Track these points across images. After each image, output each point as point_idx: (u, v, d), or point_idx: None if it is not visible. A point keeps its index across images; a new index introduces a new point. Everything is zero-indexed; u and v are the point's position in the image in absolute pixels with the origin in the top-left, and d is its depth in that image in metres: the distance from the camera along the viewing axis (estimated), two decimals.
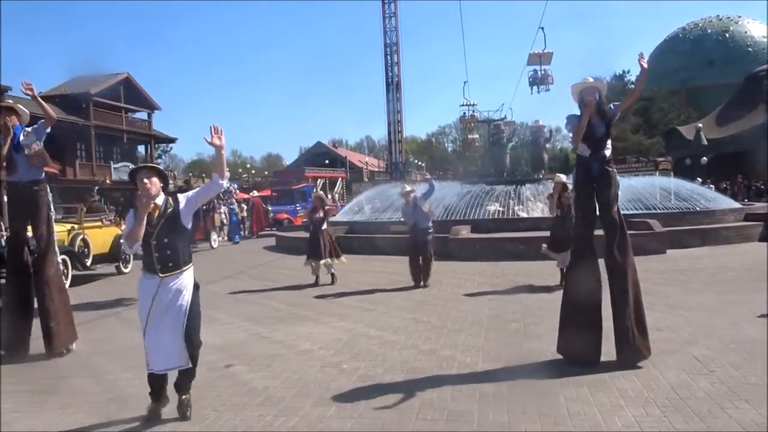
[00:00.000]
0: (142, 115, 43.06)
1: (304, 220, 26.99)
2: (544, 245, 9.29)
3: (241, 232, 23.43)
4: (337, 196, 47.07)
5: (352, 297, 9.00)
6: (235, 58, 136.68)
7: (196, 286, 4.09)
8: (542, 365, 5.09)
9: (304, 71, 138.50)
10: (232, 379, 5.03)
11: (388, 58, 51.43)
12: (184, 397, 4.14)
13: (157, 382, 4.10)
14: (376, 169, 67.84)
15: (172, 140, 48.68)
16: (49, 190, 6.34)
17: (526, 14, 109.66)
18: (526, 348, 5.66)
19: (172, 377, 4.18)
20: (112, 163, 38.34)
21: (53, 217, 6.43)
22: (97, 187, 20.18)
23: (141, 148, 44.78)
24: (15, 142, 6.00)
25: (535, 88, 34.26)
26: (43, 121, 6.05)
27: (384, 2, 50.62)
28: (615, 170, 5.20)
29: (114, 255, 12.86)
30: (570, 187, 8.79)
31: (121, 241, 4.41)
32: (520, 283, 9.44)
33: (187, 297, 3.99)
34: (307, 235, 17.06)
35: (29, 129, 6.11)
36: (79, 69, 38.54)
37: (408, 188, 10.19)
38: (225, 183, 4.16)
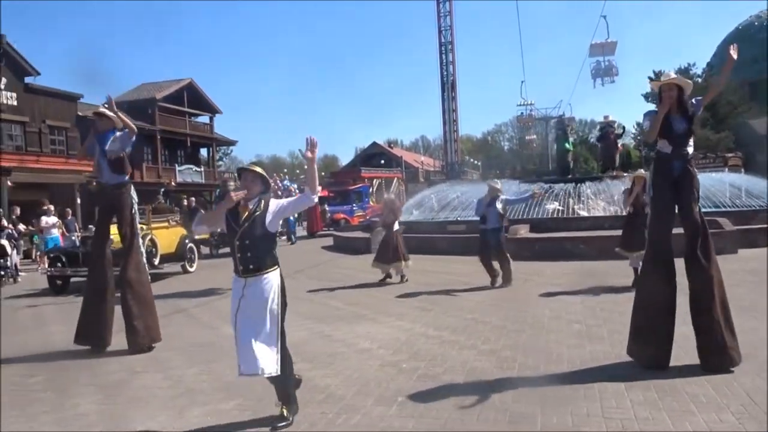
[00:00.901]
0: (204, 118, 44.38)
1: (361, 220, 27.31)
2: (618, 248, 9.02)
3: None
4: (392, 196, 47.15)
5: (410, 297, 9.02)
6: (292, 62, 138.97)
7: (283, 291, 4.03)
8: (607, 368, 4.96)
9: (359, 71, 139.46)
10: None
11: (443, 57, 51.21)
12: (277, 406, 4.07)
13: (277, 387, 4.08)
14: (432, 169, 67.67)
15: (233, 143, 50.02)
16: (133, 192, 6.64)
17: (585, 6, 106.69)
18: (589, 350, 5.53)
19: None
20: (176, 165, 39.66)
21: (137, 218, 6.71)
22: (162, 189, 20.95)
23: (203, 151, 46.18)
24: (102, 146, 6.33)
25: (598, 80, 32.58)
26: (127, 131, 6.40)
27: (439, 1, 50.41)
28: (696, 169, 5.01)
29: (180, 255, 13.33)
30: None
31: (194, 225, 4.43)
32: (580, 284, 9.21)
33: (271, 300, 3.93)
34: (363, 235, 17.35)
35: (118, 134, 6.43)
36: (146, 75, 40.01)
37: (498, 185, 10.08)
38: (316, 197, 4.11)
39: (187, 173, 39.06)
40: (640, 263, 8.50)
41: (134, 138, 6.52)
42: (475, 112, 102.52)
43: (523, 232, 14.02)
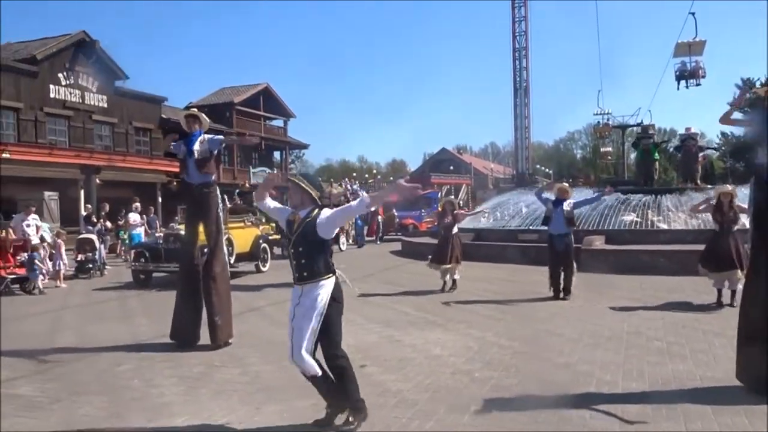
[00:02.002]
0: (278, 122, 45.58)
1: (429, 226, 27.27)
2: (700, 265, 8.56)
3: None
4: (461, 202, 46.87)
5: (480, 305, 8.94)
6: (362, 66, 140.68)
7: (336, 299, 4.01)
8: (690, 389, 4.74)
9: (429, 76, 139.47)
10: (367, 380, 5.17)
11: (517, 62, 50.48)
12: (328, 410, 4.07)
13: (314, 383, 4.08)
14: (502, 176, 66.78)
15: (305, 146, 51.05)
16: (219, 192, 6.92)
17: (668, 7, 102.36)
18: (671, 369, 5.31)
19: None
20: (251, 167, 40.90)
21: (222, 218, 6.99)
22: (237, 191, 21.73)
23: (276, 154, 47.41)
24: (190, 147, 6.64)
25: (682, 82, 29.87)
26: (222, 136, 6.71)
27: (514, 6, 49.77)
28: None
29: (254, 254, 13.77)
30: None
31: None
32: (660, 299, 8.87)
33: (321, 308, 3.93)
34: (432, 240, 17.33)
35: (207, 137, 6.71)
36: (224, 80, 41.58)
37: (566, 185, 9.85)
38: (370, 208, 4.17)
39: (260, 175, 40.13)
40: (726, 284, 8.15)
41: (223, 144, 6.79)
42: (547, 119, 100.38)
43: (598, 243, 13.61)
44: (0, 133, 24.24)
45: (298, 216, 4.10)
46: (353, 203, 4.26)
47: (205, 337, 6.65)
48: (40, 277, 11.93)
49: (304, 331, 3.93)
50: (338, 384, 4.00)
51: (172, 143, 7.13)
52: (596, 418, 4.14)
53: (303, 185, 4.15)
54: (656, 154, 21.43)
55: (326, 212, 4.06)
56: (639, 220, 16.24)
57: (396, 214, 28.08)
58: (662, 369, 5.29)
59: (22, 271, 11.81)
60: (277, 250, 16.90)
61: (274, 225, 23.53)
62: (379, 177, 67.85)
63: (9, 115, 25.13)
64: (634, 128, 38.64)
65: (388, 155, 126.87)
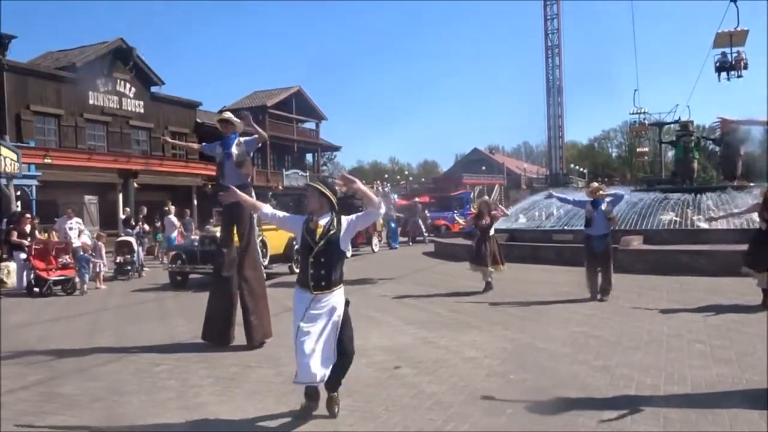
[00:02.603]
0: (310, 124, 45.95)
1: (461, 227, 27.10)
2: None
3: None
4: (488, 197, 46.42)
5: (515, 306, 8.82)
6: (393, 67, 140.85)
7: (347, 303, 4.19)
8: (737, 393, 4.57)
9: (459, 74, 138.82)
10: (401, 381, 5.16)
11: (549, 60, 49.88)
12: (333, 394, 4.26)
13: (309, 389, 4.29)
14: (535, 176, 66.05)
15: (337, 148, 51.38)
16: (254, 194, 6.99)
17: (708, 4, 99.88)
18: (715, 372, 5.14)
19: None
20: (283, 170, 41.31)
21: (256, 220, 7.06)
22: (271, 193, 21.96)
23: (309, 156, 47.79)
24: (227, 150, 6.72)
25: (723, 75, 28.24)
26: (255, 137, 6.77)
27: (546, 4, 49.19)
28: None
29: (287, 255, 13.87)
30: None
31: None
32: (701, 301, 8.62)
33: (338, 315, 4.08)
34: (464, 241, 17.21)
35: (242, 139, 6.79)
36: (257, 83, 42.11)
37: (598, 185, 9.67)
38: (381, 210, 4.19)
39: (293, 177, 40.56)
40: None
41: (259, 144, 6.87)
42: (581, 118, 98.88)
43: (636, 243, 13.33)
44: (43, 139, 24.96)
45: (318, 223, 4.10)
46: (367, 212, 4.23)
47: (240, 338, 6.73)
48: (85, 275, 12.30)
49: (323, 348, 4.02)
50: (336, 371, 4.15)
51: (204, 143, 7.26)
52: (637, 422, 4.02)
53: (322, 190, 4.17)
54: (696, 152, 20.84)
55: (346, 222, 4.14)
56: (678, 219, 15.86)
57: (428, 215, 27.99)
58: (706, 373, 5.13)
59: (65, 273, 12.13)
60: None
61: None
62: (410, 178, 67.83)
63: (51, 122, 25.90)
64: (672, 125, 37.71)
65: (419, 156, 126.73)
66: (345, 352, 4.16)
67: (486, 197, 12.21)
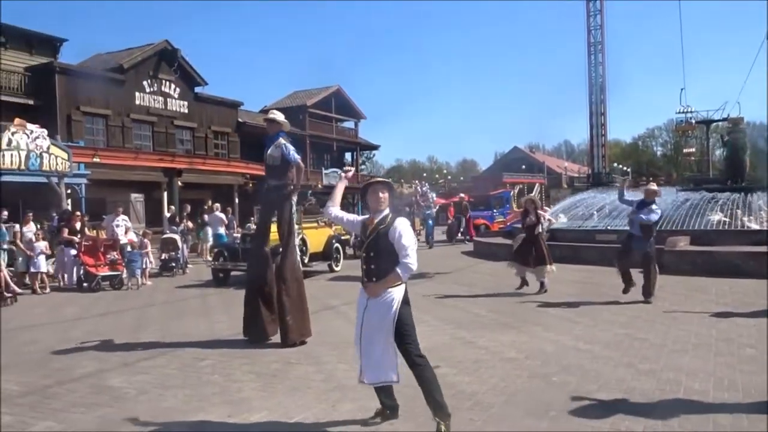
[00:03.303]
0: (349, 124, 46.16)
1: (501, 226, 26.82)
2: None
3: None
4: (533, 196, 45.74)
5: (556, 307, 8.69)
6: (432, 65, 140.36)
7: (406, 302, 4.01)
8: None
9: (499, 72, 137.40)
10: (441, 381, 5.02)
11: (592, 57, 48.88)
12: (438, 423, 3.86)
13: (379, 394, 4.14)
14: (576, 175, 64.88)
15: (375, 147, 51.48)
16: (294, 196, 7.07)
17: None
18: (767, 379, 4.96)
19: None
20: (322, 169, 41.61)
21: (295, 219, 7.12)
22: (310, 192, 22.11)
23: (347, 155, 48.03)
24: (267, 147, 6.81)
25: None
26: (299, 161, 6.85)
27: (589, 0, 48.23)
28: None
29: (327, 254, 14.00)
30: None
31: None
32: (751, 305, 8.32)
33: (394, 312, 3.91)
34: (504, 241, 17.02)
35: (285, 144, 6.82)
36: (298, 83, 42.54)
37: (655, 186, 9.41)
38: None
39: (332, 176, 40.71)
40: None
41: (298, 165, 6.89)
42: (624, 115, 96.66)
43: (683, 244, 12.96)
44: (92, 138, 25.75)
45: (372, 219, 4.10)
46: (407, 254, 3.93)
47: (278, 335, 6.80)
48: (138, 271, 12.69)
49: (383, 346, 3.95)
50: (420, 386, 3.95)
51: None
52: (685, 427, 3.92)
53: (390, 188, 4.18)
54: (746, 150, 20.13)
55: (399, 226, 3.98)
56: (727, 219, 15.35)
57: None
58: (757, 378, 4.95)
59: (113, 269, 12.52)
60: (350, 250, 17.16)
61: None
62: (449, 177, 67.48)
63: (99, 122, 26.69)
64: (720, 123, 36.54)
65: (458, 155, 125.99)
66: (410, 358, 3.95)
67: (532, 195, 12.00)
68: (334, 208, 4.37)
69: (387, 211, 4.10)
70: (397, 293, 3.97)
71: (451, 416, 3.94)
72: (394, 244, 3.94)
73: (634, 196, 9.58)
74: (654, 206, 8.90)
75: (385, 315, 3.93)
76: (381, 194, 4.08)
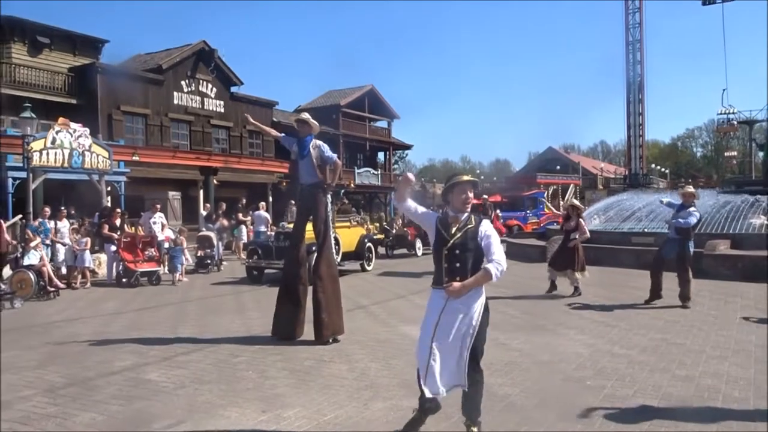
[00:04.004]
0: (382, 123, 46.23)
1: (535, 227, 26.55)
2: None
3: None
4: (577, 201, 45.15)
5: (591, 310, 8.58)
6: (464, 66, 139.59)
7: (486, 309, 3.85)
8: None
9: (534, 70, 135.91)
10: None
11: (630, 56, 48.01)
12: (471, 428, 3.82)
13: (427, 403, 3.76)
14: (612, 176, 63.78)
15: (408, 147, 51.44)
16: (329, 195, 7.16)
17: None
18: None
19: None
20: (355, 168, 41.78)
21: (330, 218, 7.21)
22: (343, 191, 22.24)
23: (380, 155, 48.11)
24: (304, 151, 6.91)
25: None
26: (336, 158, 7.01)
27: None
28: None
29: (359, 253, 14.05)
30: None
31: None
32: None
33: (475, 316, 3.74)
34: (537, 242, 16.86)
35: (321, 145, 6.94)
36: (332, 83, 42.79)
37: (692, 191, 9.22)
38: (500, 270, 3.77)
39: (365, 176, 40.95)
40: None
41: (335, 164, 7.04)
42: (663, 116, 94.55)
43: (723, 248, 12.64)
44: (131, 137, 26.38)
45: (457, 218, 3.86)
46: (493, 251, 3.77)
47: (309, 332, 6.86)
48: (179, 267, 13.00)
49: (458, 351, 3.70)
50: (470, 393, 3.79)
51: (283, 134, 7.48)
52: None
53: (476, 187, 3.95)
54: None
55: (487, 227, 3.85)
56: None
57: (500, 214, 27.60)
58: None
59: (151, 265, 12.82)
60: (381, 250, 17.22)
61: (377, 225, 23.90)
62: (482, 177, 67.05)
63: (138, 121, 27.33)
64: (764, 123, 35.52)
65: (491, 155, 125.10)
66: (475, 363, 3.78)
67: (576, 201, 11.89)
68: (407, 201, 3.99)
69: (470, 212, 3.91)
70: (482, 298, 3.81)
71: (482, 418, 3.90)
72: (482, 244, 3.76)
73: (675, 199, 9.40)
74: (692, 209, 8.74)
75: (468, 318, 3.72)
76: (469, 193, 3.88)
